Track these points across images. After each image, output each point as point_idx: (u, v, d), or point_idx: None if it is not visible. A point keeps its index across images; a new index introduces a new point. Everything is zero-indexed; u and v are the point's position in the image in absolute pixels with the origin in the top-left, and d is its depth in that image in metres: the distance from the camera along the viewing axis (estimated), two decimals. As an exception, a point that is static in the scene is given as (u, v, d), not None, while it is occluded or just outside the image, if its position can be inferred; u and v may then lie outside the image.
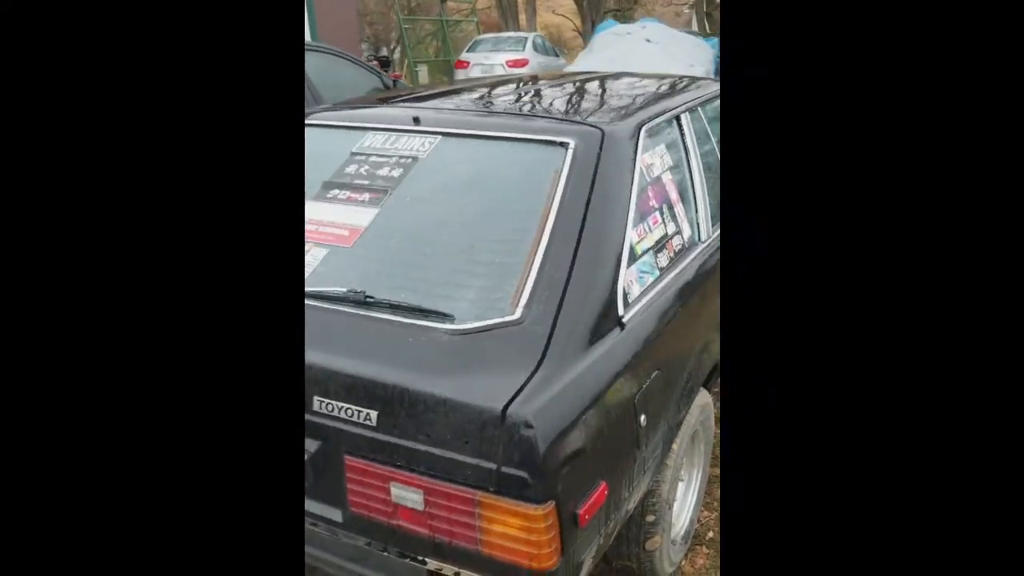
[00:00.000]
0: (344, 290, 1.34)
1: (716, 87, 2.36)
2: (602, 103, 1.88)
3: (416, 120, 1.69)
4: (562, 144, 1.50)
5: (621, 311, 1.35)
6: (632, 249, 1.45)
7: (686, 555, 1.92)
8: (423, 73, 13.46)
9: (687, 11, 20.40)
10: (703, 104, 2.12)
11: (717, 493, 2.16)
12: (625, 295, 1.38)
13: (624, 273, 1.39)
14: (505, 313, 1.25)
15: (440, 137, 1.64)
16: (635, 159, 1.56)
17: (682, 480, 1.93)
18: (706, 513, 2.08)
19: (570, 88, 2.03)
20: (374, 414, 1.18)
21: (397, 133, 1.68)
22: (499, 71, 10.69)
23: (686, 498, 1.94)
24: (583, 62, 8.04)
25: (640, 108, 1.75)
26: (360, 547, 1.29)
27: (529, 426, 1.09)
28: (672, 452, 1.62)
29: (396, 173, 1.58)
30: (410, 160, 1.60)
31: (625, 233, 1.43)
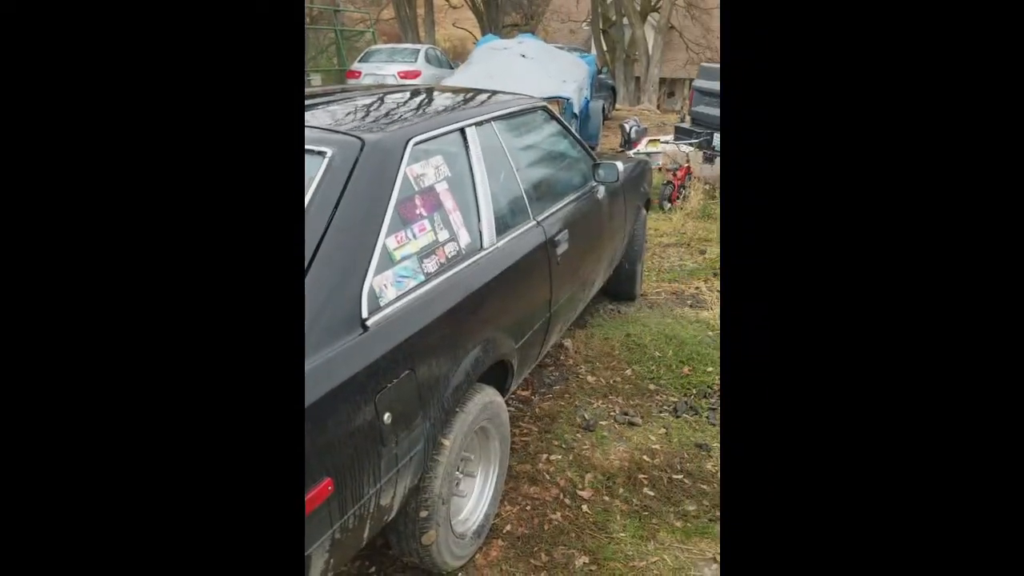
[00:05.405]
0: None
1: (524, 103, 2.50)
2: (383, 115, 1.95)
3: None
4: (320, 153, 1.56)
5: (365, 314, 1.41)
6: (388, 254, 1.52)
7: (481, 548, 1.99)
8: (316, 81, 13.29)
9: (585, 28, 20.96)
10: (500, 119, 2.23)
11: (521, 487, 2.25)
12: (376, 299, 1.45)
13: (374, 278, 1.45)
14: None
15: None
16: (399, 168, 1.63)
17: (473, 476, 2.01)
18: (508, 507, 2.16)
19: (367, 101, 2.09)
20: None
21: None
22: (390, 81, 10.69)
23: (482, 493, 2.02)
24: (461, 76, 8.12)
25: (416, 121, 1.83)
26: None
27: None
28: (444, 448, 1.69)
29: None
30: None
31: (378, 239, 1.50)
